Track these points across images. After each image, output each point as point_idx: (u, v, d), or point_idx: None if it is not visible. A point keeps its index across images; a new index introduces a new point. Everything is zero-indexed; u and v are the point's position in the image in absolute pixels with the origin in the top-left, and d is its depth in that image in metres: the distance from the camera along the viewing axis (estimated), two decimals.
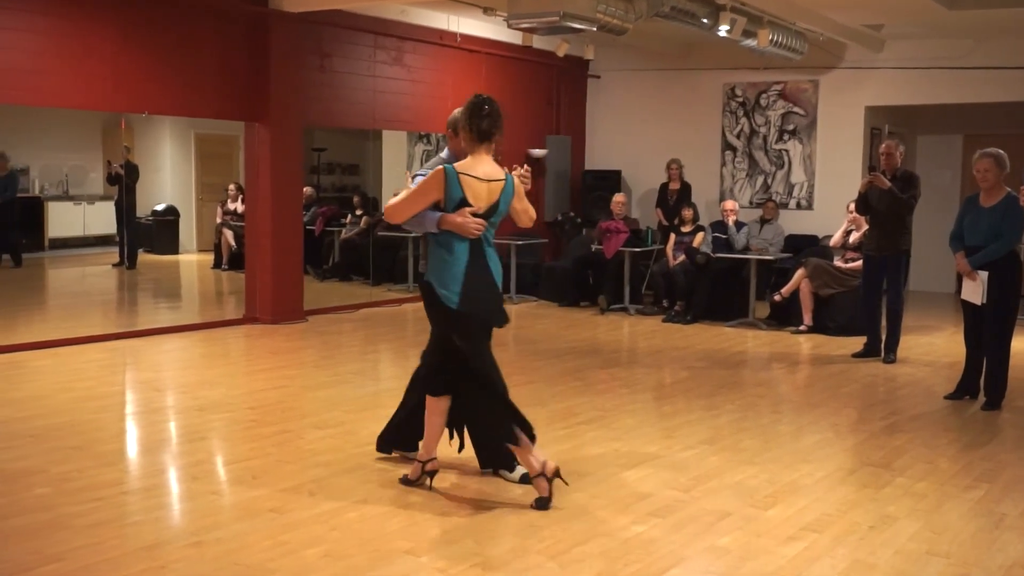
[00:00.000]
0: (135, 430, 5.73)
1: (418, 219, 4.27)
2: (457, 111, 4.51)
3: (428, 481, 4.54)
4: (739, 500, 4.49)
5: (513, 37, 10.99)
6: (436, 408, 4.47)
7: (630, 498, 4.49)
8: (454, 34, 10.86)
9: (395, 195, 4.43)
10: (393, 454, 4.98)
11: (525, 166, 4.65)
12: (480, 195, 4.25)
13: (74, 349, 7.81)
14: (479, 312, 4.32)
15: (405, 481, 4.57)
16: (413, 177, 4.46)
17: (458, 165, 4.27)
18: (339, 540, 3.91)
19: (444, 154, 4.70)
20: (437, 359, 4.48)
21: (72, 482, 4.55)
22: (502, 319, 4.42)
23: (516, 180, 4.42)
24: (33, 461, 4.87)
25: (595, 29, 7.97)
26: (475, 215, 4.24)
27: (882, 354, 8.02)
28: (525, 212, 4.48)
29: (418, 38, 10.60)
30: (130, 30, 8.16)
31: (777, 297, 9.54)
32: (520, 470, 4.60)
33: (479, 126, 4.27)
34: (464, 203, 4.22)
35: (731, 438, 5.60)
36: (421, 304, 4.56)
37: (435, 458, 4.54)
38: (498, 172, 4.33)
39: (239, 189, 12.52)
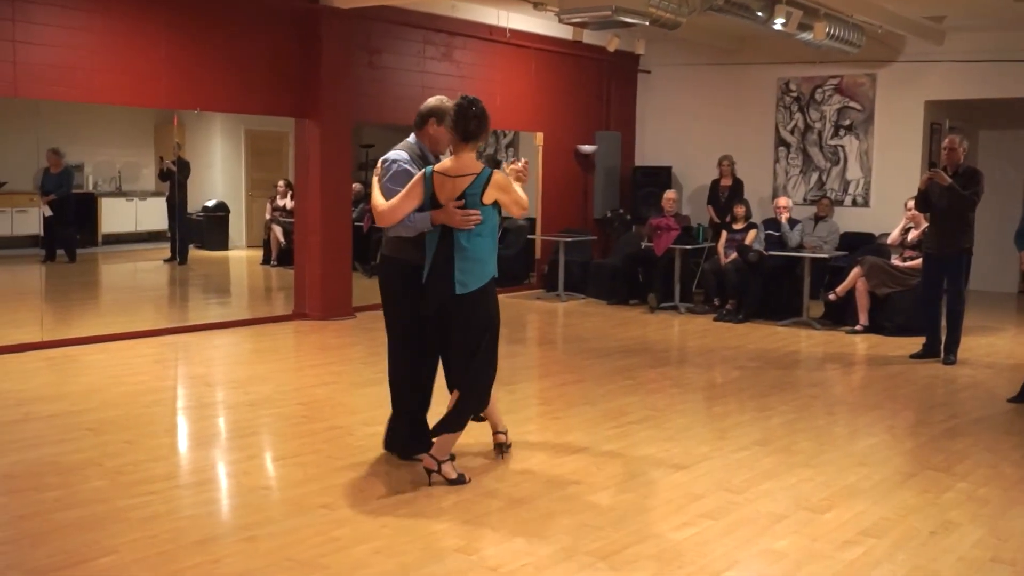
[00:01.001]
0: (187, 425, 5.78)
1: (409, 224, 4.54)
2: (432, 100, 4.72)
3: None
4: (794, 503, 4.40)
5: (563, 32, 10.90)
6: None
7: (683, 499, 4.41)
8: (504, 29, 10.82)
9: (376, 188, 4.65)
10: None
11: (524, 160, 4.75)
12: (446, 190, 4.44)
13: (127, 344, 7.92)
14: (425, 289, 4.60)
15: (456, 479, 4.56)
16: (383, 162, 4.68)
17: (437, 166, 4.52)
18: (391, 537, 3.90)
19: (411, 139, 4.82)
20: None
21: (126, 475, 4.60)
22: (424, 304, 4.62)
23: (498, 175, 4.47)
24: (88, 454, 4.94)
25: (647, 23, 7.86)
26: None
27: (941, 355, 7.82)
28: (515, 204, 4.56)
29: (468, 33, 10.58)
30: (182, 28, 8.25)
31: (832, 296, 9.36)
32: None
33: (466, 128, 4.46)
34: (434, 199, 4.46)
35: (785, 439, 5.49)
36: None
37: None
38: (470, 168, 4.46)
39: (288, 185, 12.61)
